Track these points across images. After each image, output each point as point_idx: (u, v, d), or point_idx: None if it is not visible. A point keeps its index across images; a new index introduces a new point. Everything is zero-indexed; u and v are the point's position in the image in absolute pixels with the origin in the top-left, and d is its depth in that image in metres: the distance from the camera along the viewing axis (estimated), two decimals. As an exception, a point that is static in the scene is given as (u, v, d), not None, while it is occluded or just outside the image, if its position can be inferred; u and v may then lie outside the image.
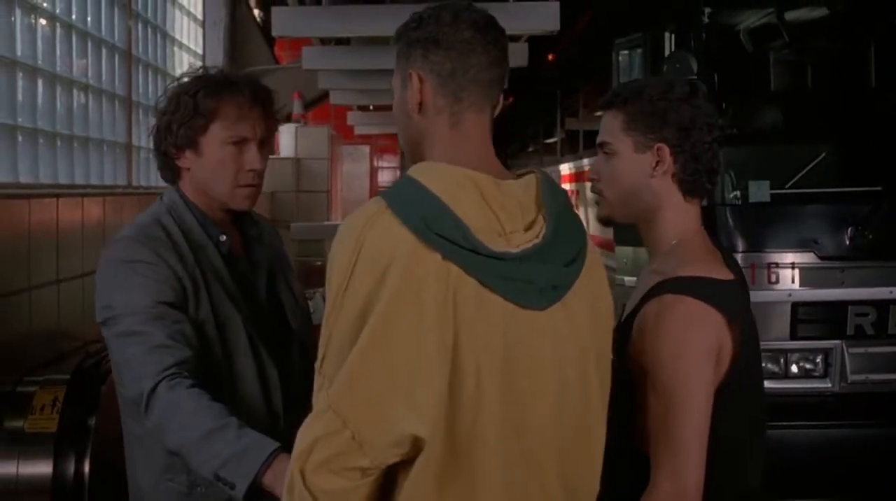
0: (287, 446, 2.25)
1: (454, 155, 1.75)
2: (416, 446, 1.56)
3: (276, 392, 2.28)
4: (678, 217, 2.17)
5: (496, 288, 1.61)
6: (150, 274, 2.20)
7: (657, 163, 2.13)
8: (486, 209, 1.64)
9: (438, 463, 1.58)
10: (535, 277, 1.67)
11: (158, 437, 2.11)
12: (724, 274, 2.09)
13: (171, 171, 2.38)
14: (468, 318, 1.59)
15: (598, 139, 2.22)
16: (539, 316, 1.67)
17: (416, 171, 1.69)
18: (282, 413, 2.28)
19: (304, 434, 1.55)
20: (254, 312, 2.32)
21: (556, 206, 1.74)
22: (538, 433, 1.69)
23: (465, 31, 1.77)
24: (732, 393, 2.02)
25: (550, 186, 1.78)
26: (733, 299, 2.06)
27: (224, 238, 2.36)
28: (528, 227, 1.70)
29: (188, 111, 2.27)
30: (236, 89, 2.30)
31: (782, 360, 4.96)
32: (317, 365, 1.61)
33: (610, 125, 2.18)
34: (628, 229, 2.32)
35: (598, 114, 2.28)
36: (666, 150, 2.12)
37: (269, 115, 2.38)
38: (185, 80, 2.35)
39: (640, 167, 2.14)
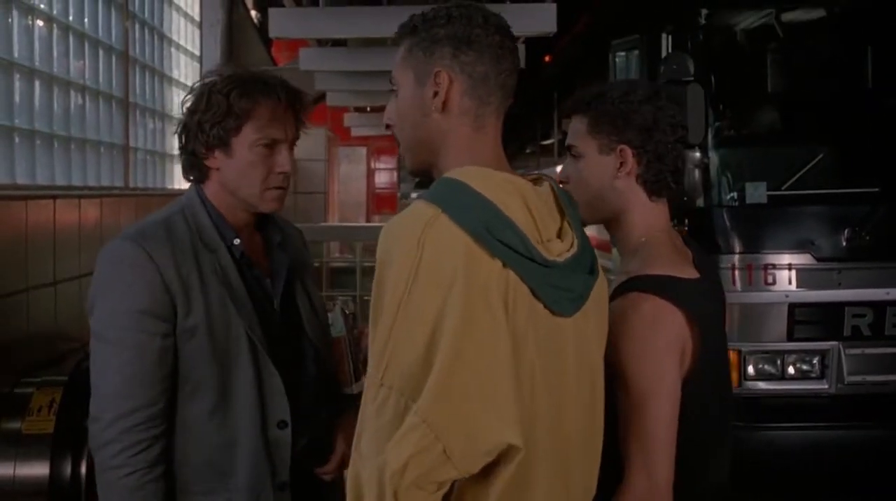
0: (295, 451, 2.26)
1: (475, 158, 1.73)
2: (506, 454, 1.54)
3: (279, 399, 2.23)
4: (644, 217, 2.19)
5: (544, 296, 1.61)
6: (132, 277, 2.17)
7: (620, 164, 2.15)
8: (528, 216, 1.63)
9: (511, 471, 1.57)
10: (573, 286, 1.68)
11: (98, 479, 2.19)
12: (689, 274, 2.11)
13: (198, 171, 2.32)
14: (522, 326, 1.58)
15: (566, 142, 2.25)
16: (566, 322, 1.68)
17: (461, 175, 1.64)
18: (289, 420, 2.24)
19: (396, 453, 1.48)
20: (263, 319, 2.27)
21: (576, 215, 1.77)
22: (570, 438, 1.70)
23: (495, 35, 1.75)
24: (693, 392, 2.03)
25: (564, 193, 1.79)
26: (695, 298, 2.06)
27: (237, 241, 2.30)
28: (559, 235, 1.71)
29: (221, 111, 2.22)
30: (271, 91, 2.26)
31: (779, 361, 4.98)
32: (374, 374, 1.54)
33: (576, 129, 2.21)
34: None
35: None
36: (628, 152, 2.14)
37: (300, 117, 2.35)
38: (214, 77, 2.30)
39: (605, 169, 2.16)
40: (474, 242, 1.54)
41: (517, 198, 1.63)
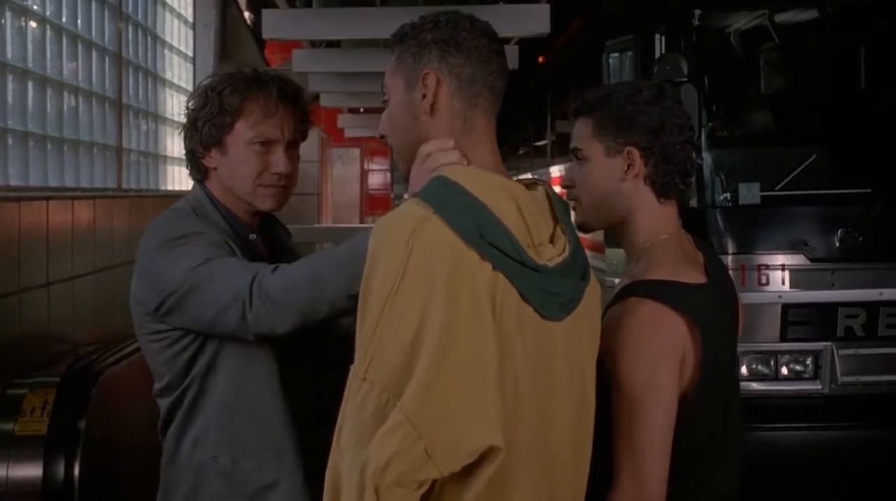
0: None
1: (469, 159, 1.75)
2: (487, 455, 1.55)
3: (306, 397, 2.25)
4: (652, 220, 2.17)
5: (533, 299, 1.62)
6: (203, 240, 2.14)
7: (628, 166, 2.13)
8: (520, 220, 1.64)
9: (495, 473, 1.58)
10: (563, 290, 1.69)
11: (278, 310, 2.00)
12: (694, 278, 2.08)
13: (197, 170, 2.32)
14: (510, 329, 1.59)
15: (571, 146, 2.23)
16: (556, 327, 1.69)
17: (455, 174, 1.65)
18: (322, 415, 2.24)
19: (378, 450, 1.49)
20: None
21: (569, 220, 1.79)
22: (556, 443, 1.71)
23: (482, 38, 1.78)
24: (697, 400, 2.01)
25: (558, 198, 1.81)
26: (699, 303, 2.03)
27: (254, 236, 2.32)
28: (552, 240, 1.72)
29: (214, 109, 2.22)
30: (263, 87, 2.25)
31: (772, 362, 4.98)
32: (358, 369, 1.56)
33: (581, 132, 2.20)
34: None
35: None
36: (636, 153, 2.12)
37: (300, 116, 2.33)
38: (214, 77, 2.30)
39: (612, 171, 2.15)
40: (465, 244, 1.55)
41: (510, 201, 1.64)
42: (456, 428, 1.51)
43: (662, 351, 1.97)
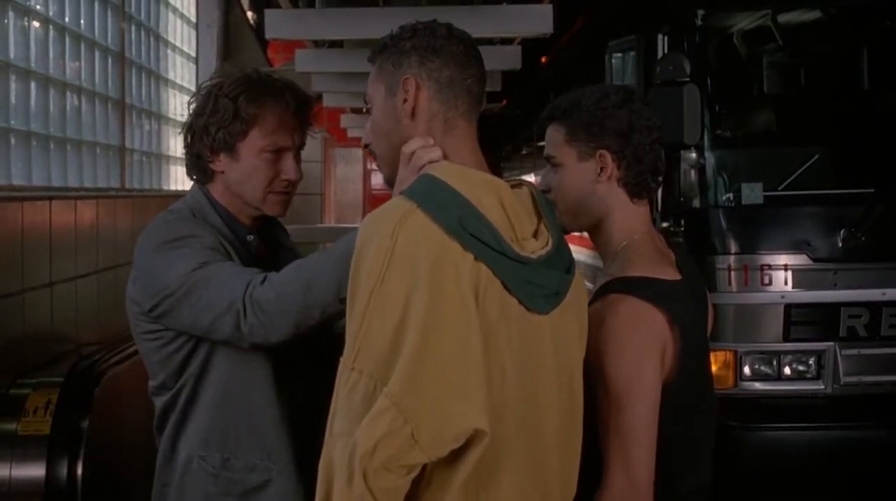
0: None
1: (450, 159, 1.79)
2: (473, 439, 1.57)
3: (299, 398, 2.26)
4: (626, 220, 2.23)
5: (517, 291, 1.67)
6: (200, 243, 2.15)
7: (601, 169, 2.19)
8: (503, 214, 1.69)
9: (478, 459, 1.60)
10: (547, 283, 1.73)
11: (271, 321, 2.01)
12: (670, 275, 2.15)
13: (202, 173, 2.32)
14: (494, 320, 1.63)
15: (545, 153, 2.29)
16: (542, 319, 1.73)
17: (440, 172, 1.70)
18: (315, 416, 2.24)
19: (366, 435, 1.53)
20: None
21: (552, 217, 1.83)
22: (545, 433, 1.75)
23: (459, 44, 1.84)
24: (674, 392, 2.07)
25: (543, 198, 1.86)
26: (676, 299, 2.10)
27: (251, 237, 2.33)
28: (535, 236, 1.77)
29: (227, 115, 2.22)
30: (279, 96, 2.26)
31: (775, 362, 4.98)
32: (347, 358, 1.60)
33: (553, 138, 2.25)
34: None
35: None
36: (608, 156, 2.18)
37: (307, 123, 2.35)
38: (221, 79, 2.29)
39: (586, 175, 2.21)
40: (447, 236, 1.60)
41: (493, 196, 1.69)
42: (441, 413, 1.55)
43: (644, 347, 2.03)
